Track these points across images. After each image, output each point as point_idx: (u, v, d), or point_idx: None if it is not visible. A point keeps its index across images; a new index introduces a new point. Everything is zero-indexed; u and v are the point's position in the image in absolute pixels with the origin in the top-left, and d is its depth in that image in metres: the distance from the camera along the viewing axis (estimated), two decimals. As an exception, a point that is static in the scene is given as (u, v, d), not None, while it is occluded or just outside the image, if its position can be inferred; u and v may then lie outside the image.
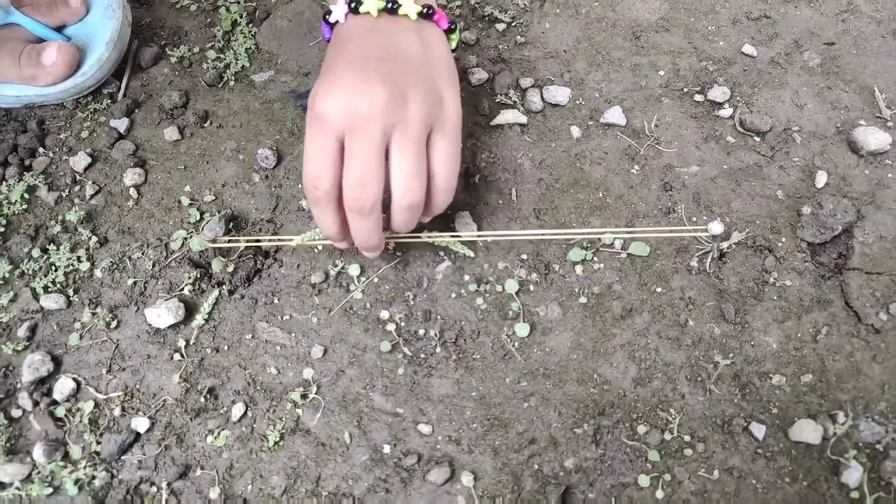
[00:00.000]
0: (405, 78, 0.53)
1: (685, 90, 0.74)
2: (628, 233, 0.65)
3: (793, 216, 0.67)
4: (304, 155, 0.54)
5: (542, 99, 0.74)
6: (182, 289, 0.65)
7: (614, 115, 0.72)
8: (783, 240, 0.65)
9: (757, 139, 0.71)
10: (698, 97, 0.73)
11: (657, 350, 0.61)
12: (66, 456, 0.59)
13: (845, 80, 0.73)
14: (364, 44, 0.56)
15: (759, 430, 0.58)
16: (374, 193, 0.53)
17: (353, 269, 0.65)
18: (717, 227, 0.60)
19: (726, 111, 0.72)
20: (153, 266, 0.67)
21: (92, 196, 0.71)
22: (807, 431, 0.57)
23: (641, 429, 0.58)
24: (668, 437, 0.58)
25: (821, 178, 0.68)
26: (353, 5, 0.57)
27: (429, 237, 0.64)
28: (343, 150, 0.53)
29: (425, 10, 0.58)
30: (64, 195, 0.71)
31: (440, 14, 0.59)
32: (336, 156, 0.53)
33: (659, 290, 0.64)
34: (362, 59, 0.54)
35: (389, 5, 0.57)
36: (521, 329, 0.62)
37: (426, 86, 0.54)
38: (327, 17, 0.59)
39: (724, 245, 0.64)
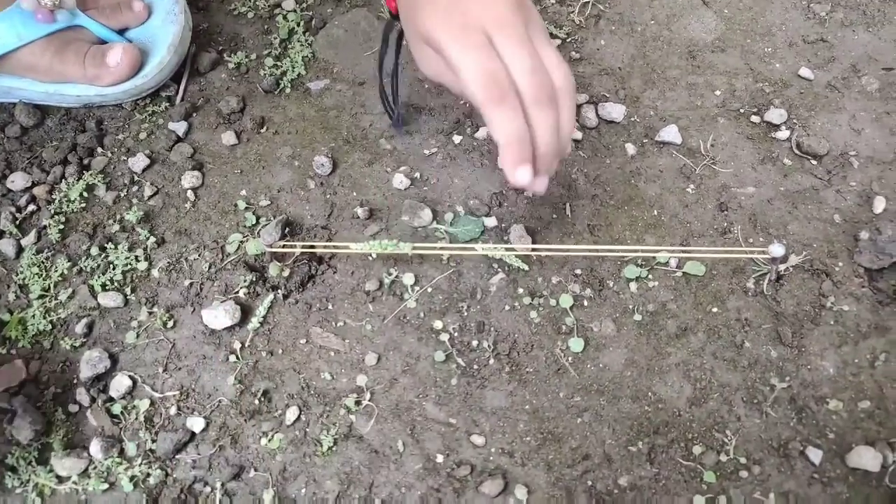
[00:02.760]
0: None
1: (741, 111, 0.74)
2: (684, 252, 0.65)
3: (850, 241, 0.66)
4: (461, 65, 0.51)
5: (597, 115, 0.74)
6: (237, 291, 0.66)
7: (670, 133, 0.72)
8: (840, 264, 0.65)
9: (814, 162, 0.70)
10: (755, 118, 0.73)
11: (713, 370, 0.61)
12: (121, 452, 0.59)
13: (904, 106, 0.73)
14: None
15: (815, 455, 0.57)
16: (549, 79, 0.52)
17: (408, 279, 0.65)
18: (778, 250, 0.60)
19: (783, 133, 0.72)
20: (209, 268, 0.67)
21: (150, 197, 0.72)
22: (865, 458, 0.56)
23: (697, 449, 0.58)
24: (723, 458, 0.57)
25: (879, 204, 0.67)
26: None
27: (483, 249, 0.64)
28: None
29: None
30: (122, 195, 0.72)
31: None
32: (496, 52, 0.51)
33: (715, 310, 0.63)
34: None
35: None
36: (576, 344, 0.62)
37: None
38: None
39: (782, 268, 0.64)
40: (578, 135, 0.73)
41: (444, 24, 0.52)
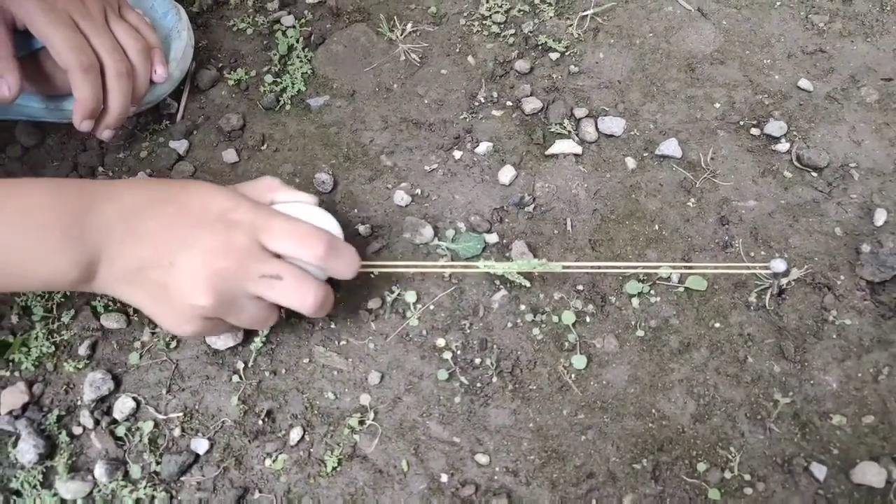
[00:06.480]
0: None
1: (741, 123, 0.74)
2: (687, 268, 0.65)
3: (851, 254, 0.66)
4: (56, 40, 0.61)
5: (597, 129, 0.74)
6: (240, 311, 0.66)
7: (670, 147, 0.72)
8: (842, 278, 0.65)
9: (814, 175, 0.70)
10: (754, 131, 0.73)
11: (716, 386, 0.61)
12: (126, 475, 0.60)
13: (904, 117, 0.73)
14: None
15: (819, 471, 0.57)
16: (124, 55, 0.66)
17: (410, 296, 0.66)
18: (779, 265, 0.60)
19: (783, 146, 0.72)
20: (211, 287, 0.67)
21: (151, 216, 0.72)
22: (870, 474, 0.56)
23: (701, 466, 0.58)
24: (727, 475, 0.57)
25: (880, 216, 0.67)
26: None
27: (485, 266, 0.64)
28: None
29: None
30: (123, 214, 0.72)
31: None
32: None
33: (717, 325, 0.63)
34: None
35: None
36: (579, 361, 0.62)
37: None
38: None
39: (784, 282, 0.64)
40: (578, 149, 0.73)
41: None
